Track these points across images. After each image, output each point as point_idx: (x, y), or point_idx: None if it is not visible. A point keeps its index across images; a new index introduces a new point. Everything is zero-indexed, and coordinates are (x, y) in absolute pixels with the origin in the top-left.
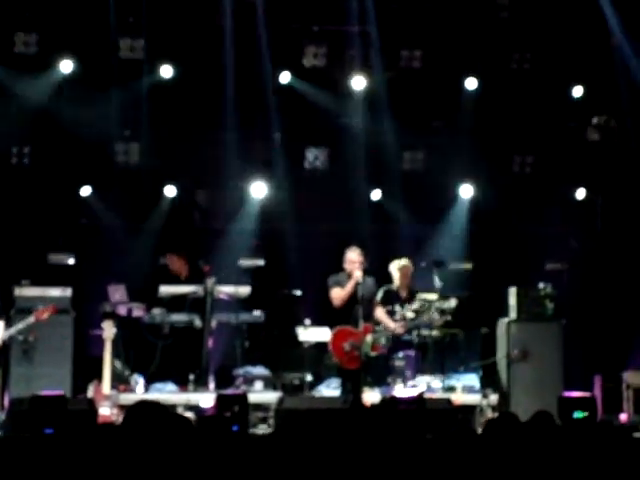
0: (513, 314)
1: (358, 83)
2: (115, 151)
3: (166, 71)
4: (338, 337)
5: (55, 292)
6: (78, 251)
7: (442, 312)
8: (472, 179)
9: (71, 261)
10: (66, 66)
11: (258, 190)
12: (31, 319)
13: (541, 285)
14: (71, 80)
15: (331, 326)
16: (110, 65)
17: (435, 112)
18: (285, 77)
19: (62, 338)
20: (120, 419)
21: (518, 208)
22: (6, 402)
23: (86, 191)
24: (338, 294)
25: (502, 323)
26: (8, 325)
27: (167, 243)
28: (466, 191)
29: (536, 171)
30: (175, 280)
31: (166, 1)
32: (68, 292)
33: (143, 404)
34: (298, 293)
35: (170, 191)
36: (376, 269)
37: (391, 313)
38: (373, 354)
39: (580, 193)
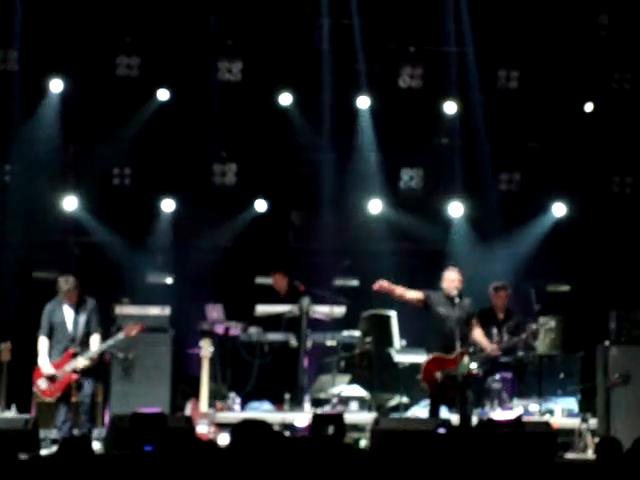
0: (613, 337)
1: (453, 105)
2: (212, 172)
3: (263, 93)
4: (430, 365)
5: (154, 310)
6: (176, 270)
7: (540, 334)
8: (568, 200)
9: (169, 280)
10: (164, 92)
11: (362, 210)
12: (120, 335)
13: None
14: (169, 104)
15: (426, 347)
16: (206, 88)
17: (531, 133)
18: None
19: (161, 356)
20: (217, 437)
21: (618, 229)
22: (107, 419)
23: (181, 210)
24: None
25: (602, 347)
26: (103, 340)
27: (263, 263)
28: (559, 211)
29: (636, 192)
30: (275, 298)
31: (264, 24)
32: (167, 311)
33: (248, 423)
34: (391, 313)
35: (262, 210)
36: (473, 290)
37: (488, 334)
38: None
39: None
